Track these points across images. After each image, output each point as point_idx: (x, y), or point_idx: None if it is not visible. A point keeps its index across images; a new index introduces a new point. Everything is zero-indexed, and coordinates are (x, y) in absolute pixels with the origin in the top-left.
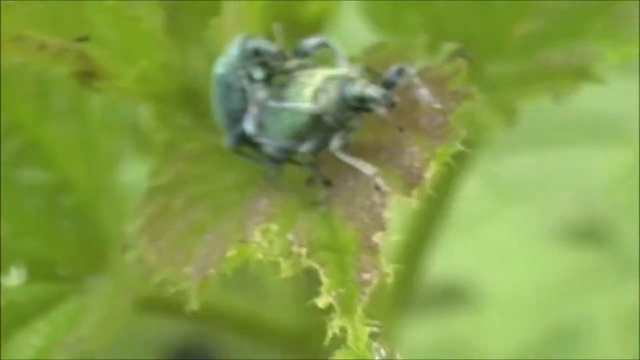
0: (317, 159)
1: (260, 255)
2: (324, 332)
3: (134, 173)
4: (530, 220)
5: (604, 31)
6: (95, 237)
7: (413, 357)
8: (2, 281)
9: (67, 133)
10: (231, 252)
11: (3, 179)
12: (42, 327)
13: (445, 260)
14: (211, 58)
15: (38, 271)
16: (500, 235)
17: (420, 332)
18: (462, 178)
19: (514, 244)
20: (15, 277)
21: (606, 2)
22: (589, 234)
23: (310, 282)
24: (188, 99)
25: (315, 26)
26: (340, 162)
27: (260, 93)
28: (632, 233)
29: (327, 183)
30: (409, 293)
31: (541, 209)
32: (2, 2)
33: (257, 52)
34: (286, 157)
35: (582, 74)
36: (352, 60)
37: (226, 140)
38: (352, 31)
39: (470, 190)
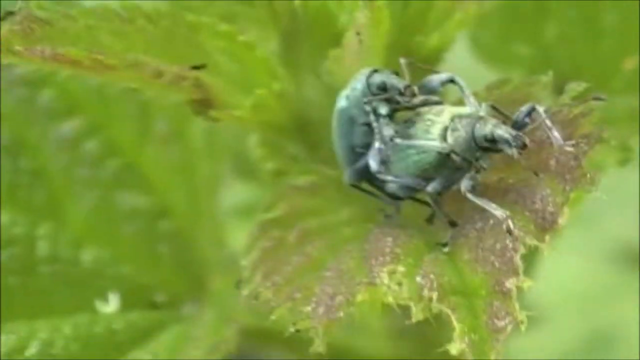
0: (440, 198)
1: (390, 299)
2: None
3: (234, 197)
4: (590, 242)
5: None
6: (193, 263)
7: None
8: (98, 308)
9: (167, 157)
10: (361, 295)
11: (101, 202)
12: (143, 356)
13: None
14: (328, 89)
15: (135, 298)
16: (560, 254)
17: None
18: None
19: (571, 263)
20: (112, 304)
21: None
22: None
23: (402, 315)
24: (301, 129)
25: (433, 60)
26: (463, 201)
27: (387, 129)
28: None
29: (453, 223)
30: None
31: (599, 229)
32: (118, 28)
33: (383, 87)
34: (409, 195)
35: None
36: (475, 96)
37: (346, 175)
38: (459, 62)
39: None
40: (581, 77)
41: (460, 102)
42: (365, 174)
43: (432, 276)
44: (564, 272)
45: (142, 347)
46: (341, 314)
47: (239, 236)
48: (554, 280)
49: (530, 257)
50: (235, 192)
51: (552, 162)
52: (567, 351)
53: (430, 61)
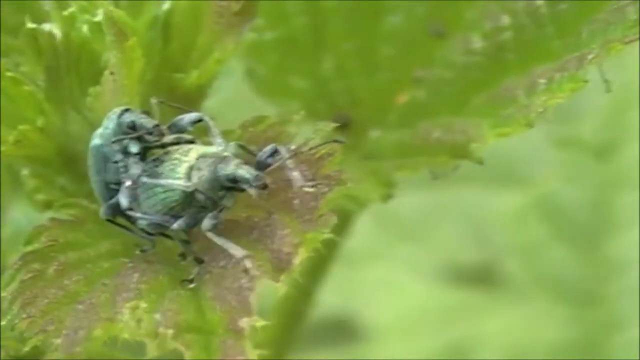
0: (189, 235)
1: (126, 335)
2: None
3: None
4: (421, 258)
5: (484, 108)
6: None
7: None
8: None
9: None
10: (98, 331)
11: None
12: None
13: (336, 295)
14: (91, 124)
15: None
16: (391, 272)
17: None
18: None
19: (403, 280)
20: None
21: (488, 77)
22: (478, 272)
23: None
24: (67, 162)
25: (195, 95)
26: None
27: (135, 168)
28: (520, 272)
29: (199, 260)
30: (298, 327)
31: (434, 247)
32: None
33: (133, 126)
34: (159, 231)
35: (459, 152)
36: (229, 134)
37: (102, 210)
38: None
39: (364, 227)
40: (358, 110)
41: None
42: (120, 210)
43: (170, 313)
44: (398, 291)
45: None
46: (78, 348)
47: None
48: (389, 300)
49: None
50: (17, 216)
51: (296, 202)
52: None
53: (193, 96)
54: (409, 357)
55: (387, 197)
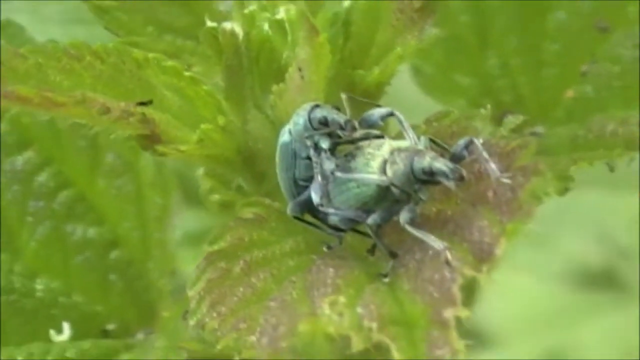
0: (381, 229)
1: (331, 329)
2: None
3: (186, 225)
4: (544, 262)
5: None
6: (144, 292)
7: None
8: (52, 337)
9: (118, 188)
10: (303, 326)
11: (54, 232)
12: None
13: None
14: (272, 122)
15: (87, 327)
16: (513, 276)
17: None
18: None
19: (525, 285)
20: (65, 333)
21: None
22: (602, 275)
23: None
24: (246, 162)
25: (374, 92)
26: (403, 232)
27: (328, 163)
28: None
29: (393, 254)
30: None
31: (556, 251)
32: (66, 66)
33: (325, 122)
34: (350, 227)
35: (635, 145)
36: (415, 129)
37: (290, 207)
38: (403, 91)
39: None
40: (523, 107)
41: (401, 135)
42: (308, 207)
43: (372, 306)
44: (519, 293)
45: None
46: (284, 344)
47: (190, 264)
48: (508, 301)
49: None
50: (186, 220)
51: (490, 194)
52: None
53: (371, 93)
54: (531, 357)
55: (564, 191)
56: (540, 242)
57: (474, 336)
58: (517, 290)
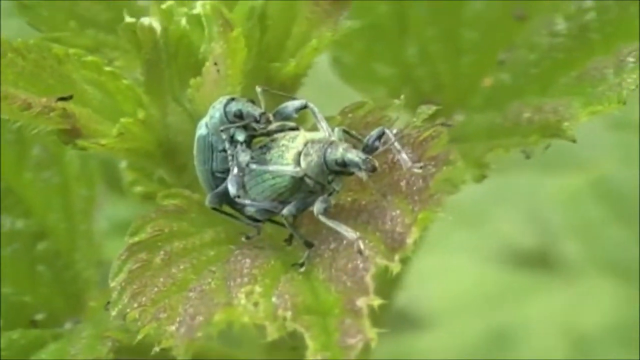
0: (297, 219)
1: (246, 319)
2: None
3: (111, 214)
4: (478, 243)
5: (573, 88)
6: (72, 282)
7: None
8: None
9: (44, 180)
10: (219, 316)
11: None
12: None
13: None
14: (191, 115)
15: (16, 317)
16: (447, 257)
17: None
18: None
19: (459, 265)
20: None
21: (574, 57)
22: (535, 255)
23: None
24: (167, 154)
25: (292, 84)
26: (319, 222)
27: (243, 156)
28: (577, 254)
29: (309, 244)
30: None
31: (490, 232)
32: None
33: (240, 115)
34: (267, 217)
35: (550, 131)
36: (328, 120)
37: (208, 199)
38: (329, 81)
39: None
40: (442, 95)
41: (316, 127)
42: (226, 198)
43: (287, 296)
44: (453, 274)
45: None
46: (199, 333)
47: (116, 253)
48: (443, 282)
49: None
50: (114, 209)
51: (403, 184)
52: (466, 352)
53: (288, 85)
54: (465, 340)
55: (480, 178)
56: (474, 223)
57: (408, 319)
58: (451, 271)
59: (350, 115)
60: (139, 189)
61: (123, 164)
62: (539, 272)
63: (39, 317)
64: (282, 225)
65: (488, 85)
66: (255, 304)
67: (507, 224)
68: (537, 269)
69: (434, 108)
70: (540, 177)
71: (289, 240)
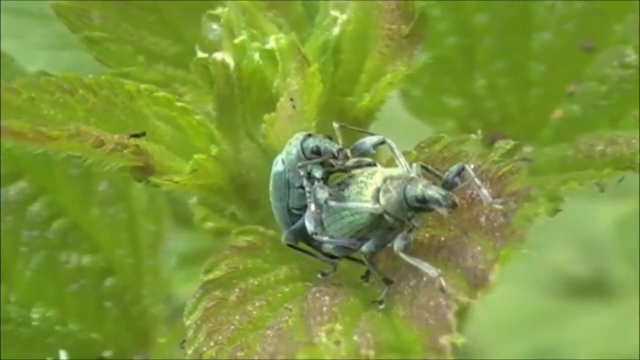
0: (375, 256)
1: (328, 357)
2: None
3: (179, 247)
4: (528, 271)
5: None
6: (139, 318)
7: None
8: None
9: (111, 216)
10: (300, 355)
11: (48, 262)
12: None
13: None
14: (264, 151)
15: (83, 354)
16: (501, 286)
17: None
18: None
19: (512, 294)
20: None
21: None
22: (586, 282)
23: None
24: (239, 190)
25: (365, 118)
26: (397, 258)
27: (321, 192)
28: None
29: (387, 281)
30: None
31: (540, 260)
32: (59, 99)
33: (317, 151)
34: (345, 254)
35: (624, 164)
36: (406, 155)
37: (284, 236)
38: (393, 114)
39: None
40: (511, 127)
41: (393, 162)
42: (302, 235)
43: (368, 334)
44: (505, 303)
45: None
46: None
47: (184, 285)
48: (494, 311)
49: None
50: (179, 241)
51: (483, 220)
52: None
53: (361, 120)
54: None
55: (554, 212)
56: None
57: (461, 349)
58: (503, 300)
59: (426, 150)
60: (210, 225)
61: (193, 200)
62: (591, 300)
63: (107, 354)
64: (359, 261)
65: (558, 117)
66: (337, 343)
67: (560, 253)
68: (590, 296)
69: (512, 143)
70: (592, 205)
71: (366, 276)
